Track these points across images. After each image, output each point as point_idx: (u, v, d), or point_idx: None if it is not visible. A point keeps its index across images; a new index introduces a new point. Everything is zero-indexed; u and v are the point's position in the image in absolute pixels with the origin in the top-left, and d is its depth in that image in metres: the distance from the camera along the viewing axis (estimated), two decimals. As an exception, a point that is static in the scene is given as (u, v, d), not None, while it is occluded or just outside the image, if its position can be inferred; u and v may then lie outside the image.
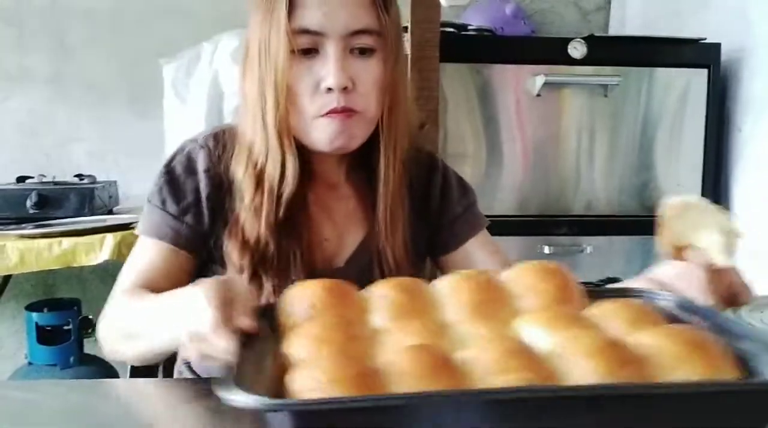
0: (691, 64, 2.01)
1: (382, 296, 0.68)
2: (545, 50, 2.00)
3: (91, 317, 2.23)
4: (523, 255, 1.99)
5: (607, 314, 0.63)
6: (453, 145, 1.96)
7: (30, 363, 2.20)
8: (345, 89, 0.89)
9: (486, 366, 0.52)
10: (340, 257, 1.01)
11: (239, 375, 0.52)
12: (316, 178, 1.00)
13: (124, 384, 0.95)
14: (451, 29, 2.00)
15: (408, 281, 0.71)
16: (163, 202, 0.97)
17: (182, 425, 0.72)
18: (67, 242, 1.82)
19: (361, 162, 1.01)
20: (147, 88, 2.42)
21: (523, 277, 0.70)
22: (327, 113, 0.90)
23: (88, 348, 2.25)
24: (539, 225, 2.01)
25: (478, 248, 1.06)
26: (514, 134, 1.99)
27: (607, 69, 1.99)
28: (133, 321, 0.86)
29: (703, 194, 2.04)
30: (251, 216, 0.93)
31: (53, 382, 0.87)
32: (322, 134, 0.92)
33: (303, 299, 0.68)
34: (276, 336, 0.65)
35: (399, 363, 0.53)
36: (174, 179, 0.98)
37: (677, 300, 0.71)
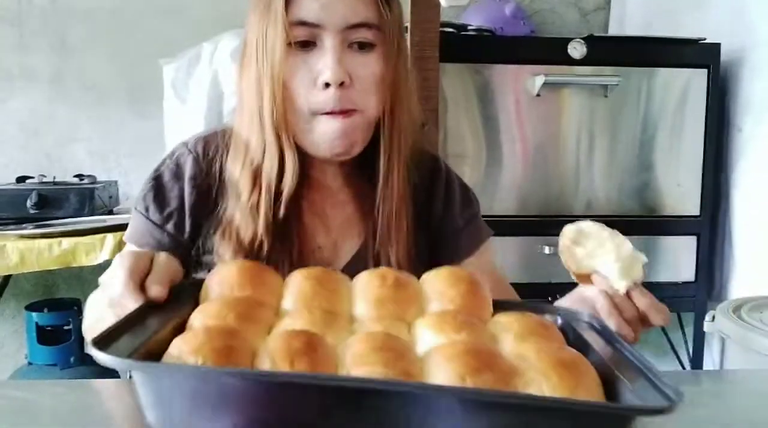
0: (691, 64, 2.01)
1: (293, 283, 0.69)
2: (545, 50, 2.00)
3: (91, 317, 2.23)
4: (522, 255, 2.00)
5: (502, 325, 0.64)
6: (453, 145, 1.96)
7: (30, 363, 2.20)
8: (342, 85, 0.87)
9: (353, 357, 0.53)
10: (334, 266, 0.96)
11: (116, 334, 0.55)
12: (312, 183, 0.97)
13: (123, 384, 0.95)
14: (451, 29, 2.00)
15: (323, 271, 0.71)
16: (147, 209, 0.96)
17: (182, 424, 0.72)
18: (67, 242, 1.82)
19: (361, 165, 0.98)
20: (147, 88, 2.43)
21: (435, 281, 0.70)
22: (325, 113, 0.88)
23: (88, 348, 2.25)
24: (539, 225, 2.01)
25: (480, 264, 1.01)
26: (514, 134, 1.99)
27: (607, 69, 1.99)
28: (90, 306, 0.91)
29: (703, 194, 2.05)
30: (247, 216, 0.91)
31: (53, 382, 0.87)
32: (321, 137, 0.89)
33: (217, 276, 0.70)
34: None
35: (269, 345, 0.54)
36: (160, 186, 0.97)
37: (589, 320, 0.70)
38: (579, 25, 2.67)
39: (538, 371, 0.52)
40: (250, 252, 0.90)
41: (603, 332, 0.67)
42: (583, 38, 1.96)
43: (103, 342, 0.53)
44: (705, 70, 2.01)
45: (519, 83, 1.96)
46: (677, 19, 2.29)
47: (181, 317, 0.64)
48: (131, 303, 0.65)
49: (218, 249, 0.92)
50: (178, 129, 1.94)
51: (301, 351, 0.52)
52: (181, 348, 0.53)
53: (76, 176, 2.37)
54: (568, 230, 0.80)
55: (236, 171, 0.93)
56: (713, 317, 1.58)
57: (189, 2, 2.48)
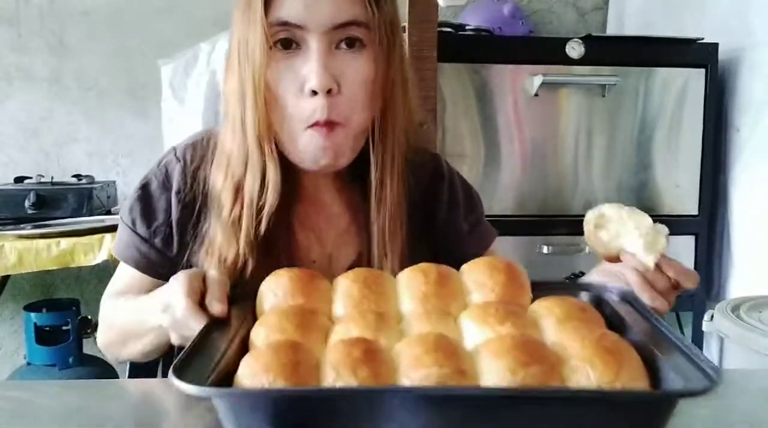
0: (689, 64, 2.01)
1: (341, 287, 0.71)
2: (543, 50, 2.00)
3: (89, 317, 2.23)
4: (522, 255, 2.00)
5: (543, 311, 0.66)
6: (451, 145, 1.96)
7: (29, 364, 2.20)
8: (330, 92, 0.81)
9: (408, 360, 0.55)
10: (331, 278, 0.95)
11: (189, 360, 0.57)
12: (302, 195, 0.93)
13: (123, 384, 0.95)
14: (449, 29, 2.00)
15: (368, 272, 0.73)
16: (133, 222, 0.93)
17: (182, 425, 0.72)
18: (65, 242, 1.82)
19: (353, 175, 0.93)
20: (146, 89, 2.43)
21: (473, 272, 0.73)
22: (310, 126, 0.83)
23: (87, 348, 2.25)
24: (538, 225, 2.01)
25: None
26: (512, 133, 1.99)
27: (605, 69, 1.99)
28: (121, 325, 0.91)
29: (701, 194, 2.05)
30: (229, 232, 0.86)
31: (52, 382, 0.87)
32: (306, 150, 0.84)
33: (270, 286, 0.71)
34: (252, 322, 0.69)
35: (330, 356, 0.56)
36: (147, 197, 0.93)
37: (622, 294, 0.75)
38: (577, 25, 2.67)
39: (583, 359, 0.55)
40: (233, 272, 0.85)
41: (635, 305, 0.71)
42: (581, 38, 1.96)
43: (181, 369, 0.54)
44: (703, 70, 2.01)
45: (517, 83, 1.96)
46: (675, 19, 2.29)
47: (244, 330, 0.66)
48: (196, 325, 0.67)
49: (202, 266, 0.88)
50: (176, 129, 1.94)
51: (361, 359, 0.55)
52: (252, 367, 0.55)
53: (74, 176, 2.37)
54: (590, 216, 0.82)
55: (218, 184, 0.89)
56: (712, 317, 1.58)
57: (187, 3, 2.47)
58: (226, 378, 0.57)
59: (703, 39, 2.00)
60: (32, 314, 2.18)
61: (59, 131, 2.51)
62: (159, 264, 0.93)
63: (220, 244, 0.87)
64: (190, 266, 0.90)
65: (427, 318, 0.66)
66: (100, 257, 1.82)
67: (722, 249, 2.10)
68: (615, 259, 0.82)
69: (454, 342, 0.59)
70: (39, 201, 2.07)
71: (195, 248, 0.91)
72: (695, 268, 2.06)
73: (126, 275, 0.96)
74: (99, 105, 2.51)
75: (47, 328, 2.18)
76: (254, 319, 0.68)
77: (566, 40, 1.96)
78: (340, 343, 0.58)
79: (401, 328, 0.66)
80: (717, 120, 2.06)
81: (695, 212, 2.05)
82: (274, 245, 0.88)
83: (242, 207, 0.86)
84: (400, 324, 0.67)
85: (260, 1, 0.80)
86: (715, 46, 2.00)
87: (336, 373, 0.54)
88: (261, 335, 0.63)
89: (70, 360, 2.17)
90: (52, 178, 2.30)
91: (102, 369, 2.19)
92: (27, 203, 2.06)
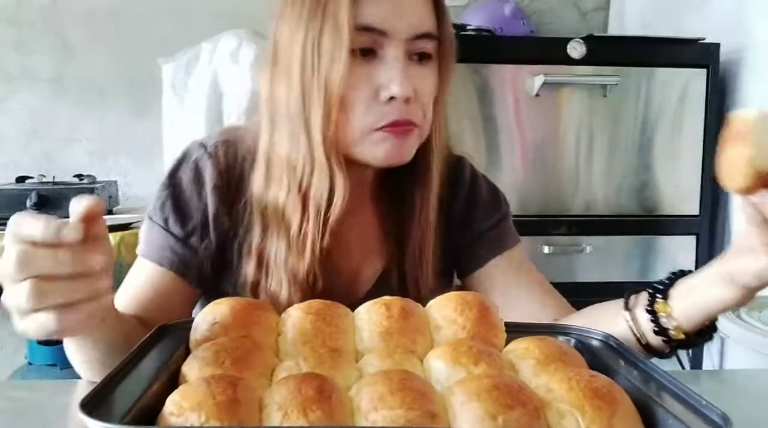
0: (690, 64, 2.01)
1: (291, 319, 0.65)
2: (544, 50, 2.00)
3: (90, 317, 2.23)
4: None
5: (521, 352, 0.60)
6: (452, 144, 1.96)
7: (30, 363, 2.20)
8: (407, 100, 0.79)
9: (370, 400, 0.49)
10: (358, 292, 0.90)
11: (105, 393, 0.50)
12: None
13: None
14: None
15: (322, 304, 0.67)
16: (166, 220, 0.86)
17: (182, 424, 0.72)
18: (66, 242, 1.82)
19: (386, 184, 0.91)
20: (147, 88, 2.43)
21: (442, 307, 0.67)
22: (384, 127, 0.79)
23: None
24: (538, 225, 2.01)
25: (504, 268, 0.93)
26: (513, 134, 1.99)
27: (606, 69, 1.99)
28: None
29: (702, 194, 2.04)
30: (298, 247, 0.82)
31: (53, 382, 0.87)
32: (376, 151, 0.81)
33: (207, 317, 0.65)
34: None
35: (277, 394, 0.49)
36: (179, 194, 0.87)
37: (605, 338, 0.68)
38: (578, 25, 2.67)
39: (570, 403, 0.49)
40: (306, 286, 0.82)
41: (621, 351, 0.64)
42: (582, 38, 1.96)
43: (92, 404, 0.47)
44: (704, 70, 2.01)
45: (518, 83, 1.96)
46: (676, 19, 2.29)
47: (174, 363, 0.59)
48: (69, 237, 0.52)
49: (267, 285, 0.83)
50: (177, 129, 1.94)
51: (313, 398, 0.48)
52: (180, 405, 0.48)
53: (75, 176, 2.37)
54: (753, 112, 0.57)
55: (279, 195, 0.83)
56: (712, 317, 1.58)
57: (188, 2, 2.47)
58: (148, 417, 0.49)
59: (704, 39, 2.00)
60: (33, 314, 2.18)
61: (61, 130, 2.51)
62: (197, 266, 0.86)
63: (288, 260, 0.82)
64: (235, 281, 0.86)
65: (390, 356, 0.59)
66: (101, 256, 1.82)
67: (723, 249, 2.08)
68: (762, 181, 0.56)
69: (423, 381, 0.52)
70: (40, 201, 2.07)
71: (242, 261, 0.86)
72: (696, 268, 2.04)
73: (145, 278, 0.86)
74: (100, 105, 2.52)
75: (48, 328, 2.17)
76: (188, 353, 0.61)
77: (567, 40, 1.96)
78: (289, 379, 0.51)
79: (360, 366, 0.59)
80: (718, 120, 2.06)
81: (696, 212, 2.05)
82: (331, 258, 0.85)
83: (308, 221, 0.82)
84: (359, 362, 0.60)
85: (347, 4, 0.76)
86: (717, 46, 2.00)
87: (283, 413, 0.47)
88: (194, 368, 0.56)
89: (71, 359, 2.16)
90: (53, 178, 2.30)
91: (103, 369, 2.19)
92: (28, 203, 2.06)
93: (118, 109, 2.52)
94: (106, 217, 2.20)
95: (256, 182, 0.85)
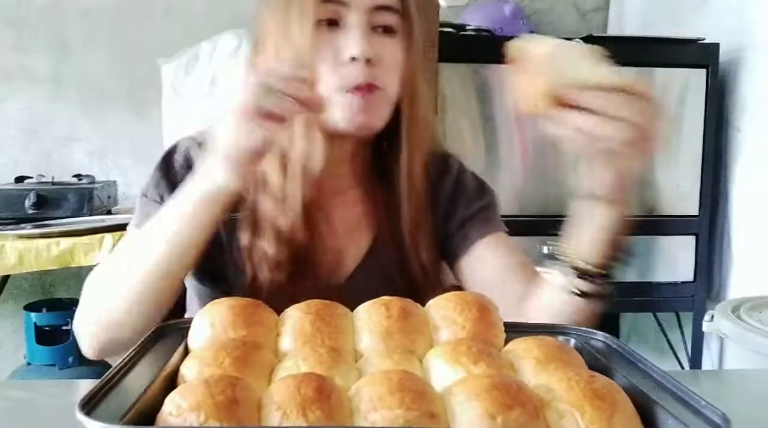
0: (690, 64, 2.02)
1: (290, 320, 0.65)
2: (544, 50, 2.00)
3: (90, 317, 2.23)
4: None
5: (520, 351, 0.60)
6: (451, 145, 1.96)
7: (29, 363, 2.20)
8: (369, 62, 0.84)
9: (369, 400, 0.49)
10: (342, 271, 0.93)
11: (103, 394, 0.50)
12: (319, 185, 0.91)
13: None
14: (450, 29, 2.00)
15: (321, 304, 0.67)
16: (161, 196, 0.91)
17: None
18: (65, 242, 1.82)
19: (374, 164, 0.95)
20: (146, 88, 2.43)
21: (442, 307, 0.67)
22: (349, 90, 0.85)
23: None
24: (538, 225, 2.01)
25: (491, 250, 0.95)
26: (513, 133, 1.99)
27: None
28: (135, 254, 0.82)
29: (701, 194, 2.04)
30: (279, 203, 0.87)
31: (52, 382, 0.87)
32: (344, 112, 0.85)
33: (207, 317, 0.65)
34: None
35: (276, 393, 0.49)
36: (172, 175, 0.93)
37: (605, 338, 0.68)
38: (578, 25, 2.67)
39: (569, 402, 0.49)
40: (291, 240, 0.86)
41: (621, 351, 0.64)
42: (581, 38, 1.96)
43: (91, 404, 0.48)
44: (704, 70, 2.01)
45: (518, 83, 1.96)
46: (676, 19, 2.29)
47: (172, 365, 0.59)
48: (249, 128, 0.69)
49: (254, 245, 0.87)
50: (177, 129, 1.94)
51: (312, 398, 0.48)
52: (179, 405, 0.48)
53: (74, 176, 2.37)
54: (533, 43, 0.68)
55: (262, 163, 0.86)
56: (712, 317, 1.58)
57: (188, 2, 2.47)
58: (147, 417, 0.49)
59: (703, 39, 2.00)
60: (32, 314, 2.18)
61: (60, 130, 2.51)
62: None
63: (271, 216, 0.87)
64: (231, 240, 0.90)
65: (389, 356, 0.60)
66: (100, 256, 1.82)
67: (722, 249, 2.10)
68: (552, 102, 0.67)
69: (422, 381, 0.52)
70: (39, 201, 2.07)
71: (232, 235, 0.89)
72: (695, 268, 2.06)
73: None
74: (100, 105, 2.51)
75: (47, 328, 2.18)
76: (186, 353, 0.61)
77: (567, 40, 1.96)
78: (288, 379, 0.50)
79: (359, 366, 0.59)
80: (718, 120, 2.06)
81: (695, 212, 2.05)
82: (297, 244, 0.88)
83: (287, 178, 0.87)
84: (358, 362, 0.60)
85: None
86: (716, 46, 2.00)
87: (282, 413, 0.47)
88: (193, 369, 0.56)
89: (70, 359, 2.17)
90: (52, 178, 2.30)
91: (102, 369, 2.19)
92: (27, 203, 2.06)
93: (117, 109, 2.52)
94: (104, 217, 2.17)
95: None
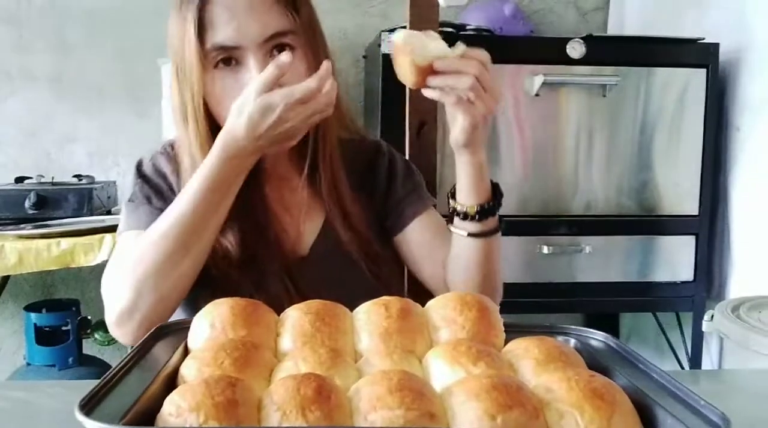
0: (690, 64, 2.01)
1: (290, 319, 0.65)
2: (544, 50, 2.00)
3: (90, 317, 2.23)
4: (522, 255, 2.00)
5: (520, 352, 0.61)
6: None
7: (29, 364, 2.20)
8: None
9: (369, 400, 0.49)
10: (303, 246, 1.02)
11: (103, 394, 0.51)
12: (269, 173, 1.02)
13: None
14: (450, 29, 2.00)
15: (321, 304, 0.67)
16: (148, 199, 1.00)
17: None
18: (65, 242, 1.82)
19: (302, 153, 1.02)
20: (146, 89, 2.43)
21: (442, 308, 0.68)
22: None
23: (87, 349, 2.26)
24: (538, 225, 2.01)
25: (423, 225, 1.06)
26: (513, 133, 1.99)
27: (606, 69, 1.99)
28: (184, 214, 0.88)
29: (701, 194, 2.04)
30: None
31: (52, 383, 0.87)
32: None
33: (207, 317, 0.65)
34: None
35: (276, 393, 0.49)
36: (150, 181, 1.02)
37: (604, 338, 0.68)
38: (578, 25, 2.67)
39: (569, 403, 0.50)
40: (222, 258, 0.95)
41: (620, 351, 0.64)
42: (581, 38, 1.96)
43: (91, 404, 0.48)
44: (704, 70, 2.01)
45: (518, 83, 1.96)
46: (676, 19, 2.29)
47: (172, 366, 0.59)
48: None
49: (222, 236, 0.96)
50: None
51: (312, 398, 0.48)
52: (178, 405, 0.48)
53: (74, 176, 2.37)
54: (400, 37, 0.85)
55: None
56: (712, 317, 1.58)
57: (188, 2, 2.47)
58: (147, 418, 0.50)
59: (703, 39, 2.00)
60: (32, 315, 2.18)
61: (60, 130, 2.51)
62: None
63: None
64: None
65: (389, 356, 0.60)
66: (100, 257, 1.82)
67: (722, 249, 2.10)
68: (423, 72, 0.83)
69: (422, 381, 0.52)
70: (39, 201, 2.07)
71: None
72: (695, 268, 2.06)
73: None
74: (100, 105, 2.51)
75: (47, 328, 2.18)
76: (186, 354, 0.61)
77: (567, 40, 1.96)
78: (287, 379, 0.51)
79: (359, 367, 0.60)
80: (717, 120, 2.06)
81: (695, 212, 2.05)
82: (256, 222, 0.97)
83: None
84: (358, 363, 0.61)
85: (193, 30, 0.90)
86: (716, 46, 2.00)
87: (282, 414, 0.47)
88: (193, 369, 0.56)
89: (70, 360, 2.17)
90: (52, 178, 2.30)
91: (102, 369, 2.19)
92: (27, 203, 2.06)
93: (117, 109, 2.52)
94: (104, 217, 2.17)
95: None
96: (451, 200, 0.96)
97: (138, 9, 2.47)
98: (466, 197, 0.93)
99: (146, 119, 2.46)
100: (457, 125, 0.88)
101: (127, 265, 0.89)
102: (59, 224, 1.98)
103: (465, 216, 0.93)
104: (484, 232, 0.94)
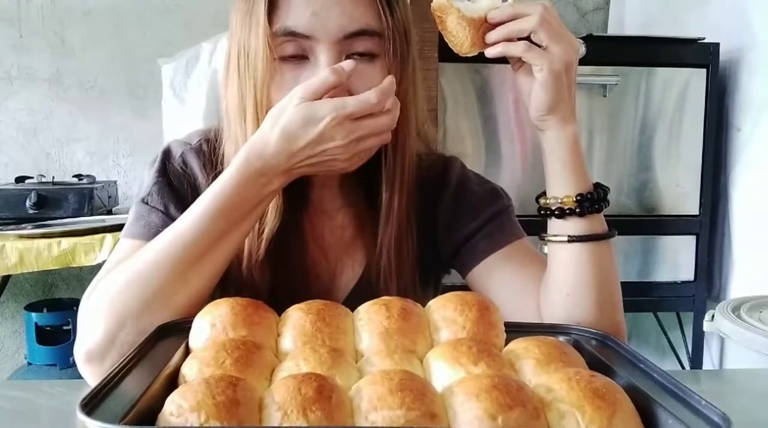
0: (690, 63, 2.01)
1: (291, 319, 0.65)
2: (544, 50, 2.00)
3: (90, 317, 2.23)
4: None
5: (521, 352, 0.60)
6: (452, 144, 1.96)
7: (29, 363, 2.20)
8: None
9: (370, 400, 0.49)
10: (335, 296, 0.87)
11: (104, 394, 0.51)
12: (310, 205, 0.87)
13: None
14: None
15: (322, 304, 0.66)
16: (166, 207, 0.85)
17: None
18: (66, 242, 1.82)
19: (361, 185, 0.87)
20: (147, 88, 2.43)
21: (442, 308, 0.67)
22: None
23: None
24: (538, 225, 2.01)
25: (504, 262, 0.89)
26: (513, 133, 1.99)
27: (606, 69, 1.99)
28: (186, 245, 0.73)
29: (702, 194, 2.04)
30: (255, 233, 0.81)
31: (52, 382, 0.87)
32: None
33: (208, 317, 0.65)
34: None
35: (277, 393, 0.49)
36: (174, 183, 0.87)
37: (603, 337, 0.68)
38: (578, 25, 2.67)
39: (570, 403, 0.50)
40: (244, 289, 0.81)
41: (621, 351, 0.64)
42: (582, 38, 1.96)
43: (92, 404, 0.48)
44: (704, 70, 2.01)
45: (518, 83, 1.96)
46: (676, 19, 2.29)
47: (172, 365, 0.59)
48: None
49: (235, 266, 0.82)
50: (177, 129, 1.94)
51: (313, 399, 0.48)
52: (179, 405, 0.48)
53: (75, 176, 2.38)
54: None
55: None
56: (712, 317, 1.58)
57: (188, 2, 2.47)
58: (148, 418, 0.50)
59: (704, 39, 2.00)
60: (33, 314, 2.19)
61: (60, 130, 2.51)
62: None
63: (232, 268, 0.81)
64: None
65: (390, 356, 0.60)
66: (101, 256, 1.82)
67: (723, 249, 2.10)
68: (483, 27, 0.75)
69: (423, 381, 0.52)
70: (40, 201, 2.07)
71: None
72: (696, 268, 2.06)
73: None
74: (100, 105, 2.52)
75: (48, 328, 2.18)
76: (187, 353, 0.61)
77: (567, 40, 1.96)
78: (288, 379, 0.51)
79: (359, 367, 0.59)
80: (718, 120, 2.06)
81: (696, 212, 2.05)
82: (285, 260, 0.83)
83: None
84: (359, 362, 0.61)
85: (263, 7, 0.74)
86: (716, 45, 2.00)
87: (283, 414, 0.47)
88: (193, 369, 0.56)
89: (71, 359, 2.16)
90: (53, 178, 2.30)
91: (103, 369, 2.19)
92: (28, 203, 2.06)
93: (117, 109, 2.52)
94: (104, 217, 2.17)
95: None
96: (540, 200, 0.81)
97: (138, 9, 2.47)
98: (560, 187, 0.77)
99: (146, 119, 2.46)
100: (535, 86, 0.74)
101: (110, 291, 0.73)
102: (60, 224, 1.98)
103: (561, 213, 0.77)
104: (590, 235, 0.76)
